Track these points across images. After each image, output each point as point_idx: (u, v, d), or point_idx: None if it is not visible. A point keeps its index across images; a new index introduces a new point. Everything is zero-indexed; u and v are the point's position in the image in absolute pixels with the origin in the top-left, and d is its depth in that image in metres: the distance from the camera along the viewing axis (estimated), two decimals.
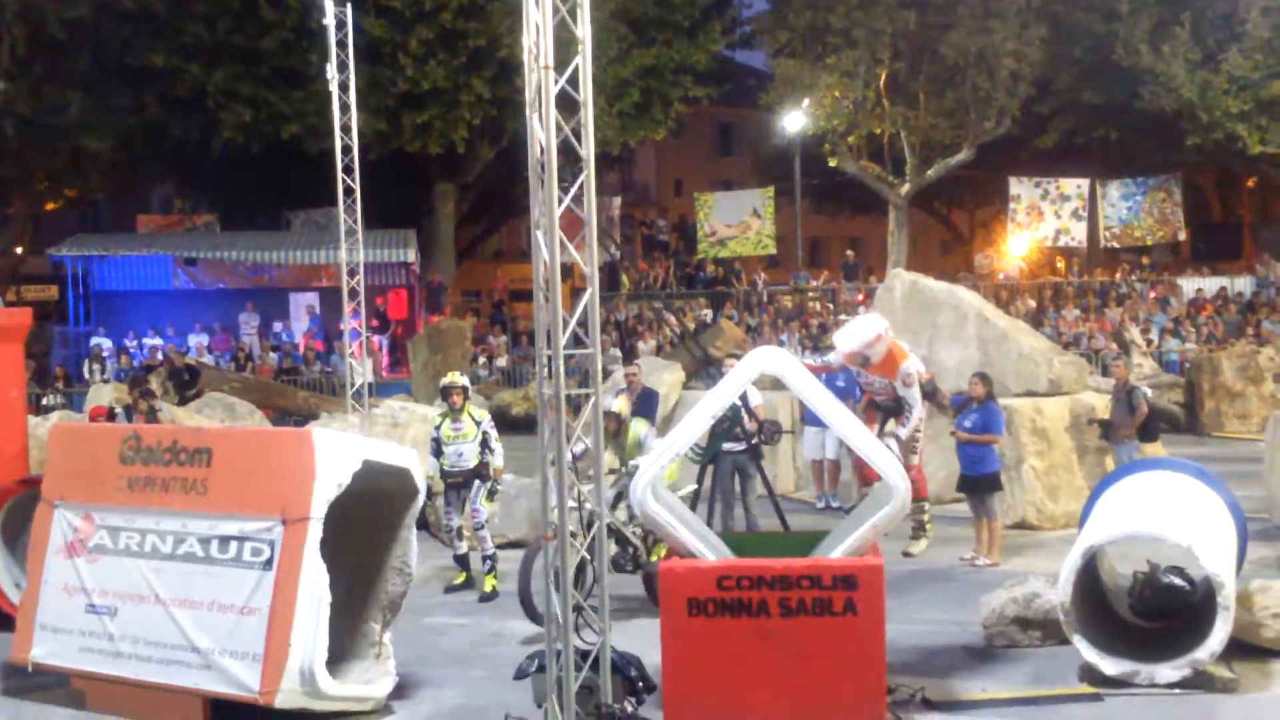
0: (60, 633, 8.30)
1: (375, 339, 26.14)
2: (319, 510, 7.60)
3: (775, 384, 10.41)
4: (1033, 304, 29.11)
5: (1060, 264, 35.32)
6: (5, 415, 10.89)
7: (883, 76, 30.12)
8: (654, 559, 9.79)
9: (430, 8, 26.26)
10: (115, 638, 8.04)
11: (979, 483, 11.79)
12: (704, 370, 20.01)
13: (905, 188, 31.52)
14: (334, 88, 17.32)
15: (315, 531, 7.55)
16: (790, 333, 26.19)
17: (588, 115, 7.14)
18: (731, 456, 12.15)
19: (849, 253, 36.43)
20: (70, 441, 9.07)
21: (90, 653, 8.15)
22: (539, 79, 6.92)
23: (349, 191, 17.68)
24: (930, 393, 12.45)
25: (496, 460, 11.39)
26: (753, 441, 12.10)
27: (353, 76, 17.31)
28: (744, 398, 11.64)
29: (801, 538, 8.73)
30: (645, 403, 13.71)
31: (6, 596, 10.16)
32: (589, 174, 7.25)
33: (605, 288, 28.63)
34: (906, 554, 12.03)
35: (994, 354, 14.21)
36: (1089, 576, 8.60)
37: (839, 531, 8.14)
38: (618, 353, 24.94)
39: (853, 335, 12.19)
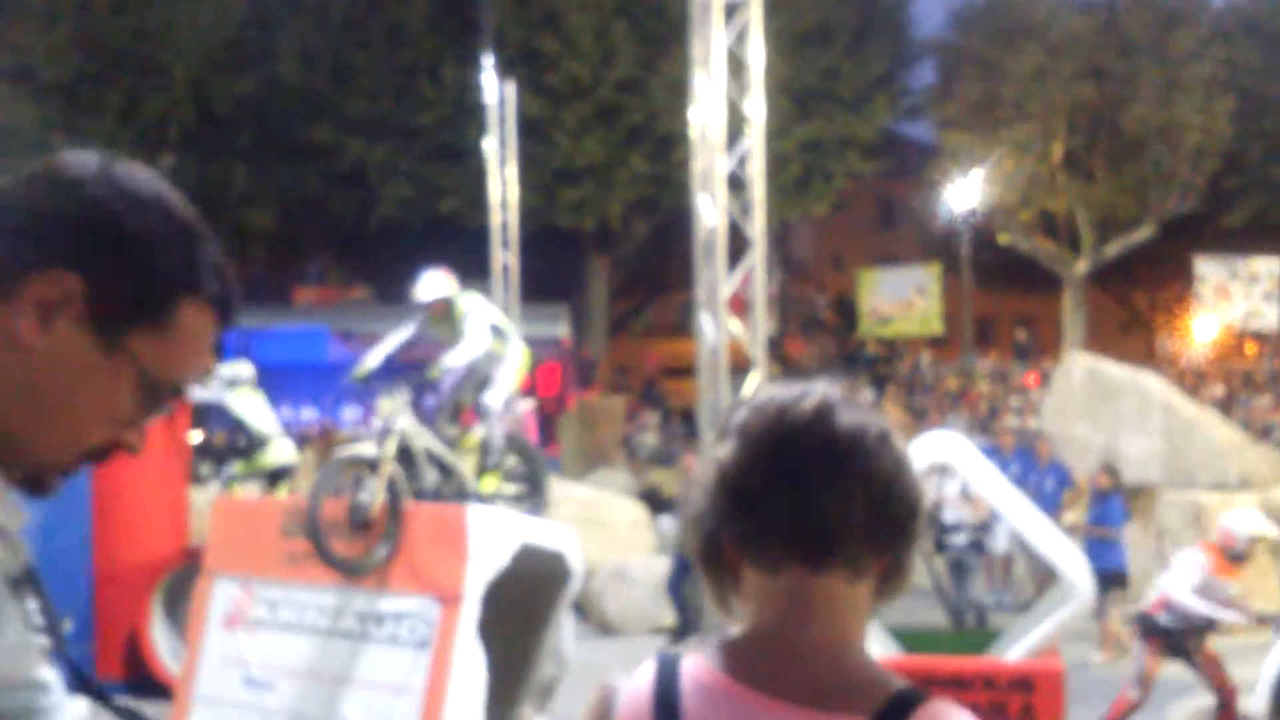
0: (218, 705, 8.20)
1: (529, 414, 25.83)
2: (475, 591, 7.39)
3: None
4: (1221, 391, 27.37)
5: (1250, 349, 33.40)
6: (167, 486, 10.99)
7: (1058, 150, 29.03)
8: (484, 487, 8.83)
9: (588, 84, 26.15)
10: (272, 712, 7.92)
11: (1099, 577, 11.20)
12: None
13: (1082, 265, 30.22)
14: (493, 164, 17.19)
15: (471, 613, 7.35)
16: (957, 416, 25.04)
17: (758, 196, 6.60)
18: (956, 552, 12.00)
19: (1021, 332, 35.04)
20: (233, 514, 9.16)
21: None
22: (707, 161, 6.38)
23: (505, 266, 17.46)
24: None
25: None
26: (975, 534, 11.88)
27: (513, 152, 17.17)
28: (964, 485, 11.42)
29: (974, 636, 8.40)
30: None
31: (165, 666, 10.16)
32: (760, 254, 6.69)
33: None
34: None
35: (1180, 444, 13.56)
36: None
37: (1015, 631, 7.62)
38: None
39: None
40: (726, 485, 1.43)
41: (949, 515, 12.14)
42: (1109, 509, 11.74)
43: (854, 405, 1.45)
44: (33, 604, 1.25)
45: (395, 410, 8.29)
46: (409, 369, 8.93)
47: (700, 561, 1.48)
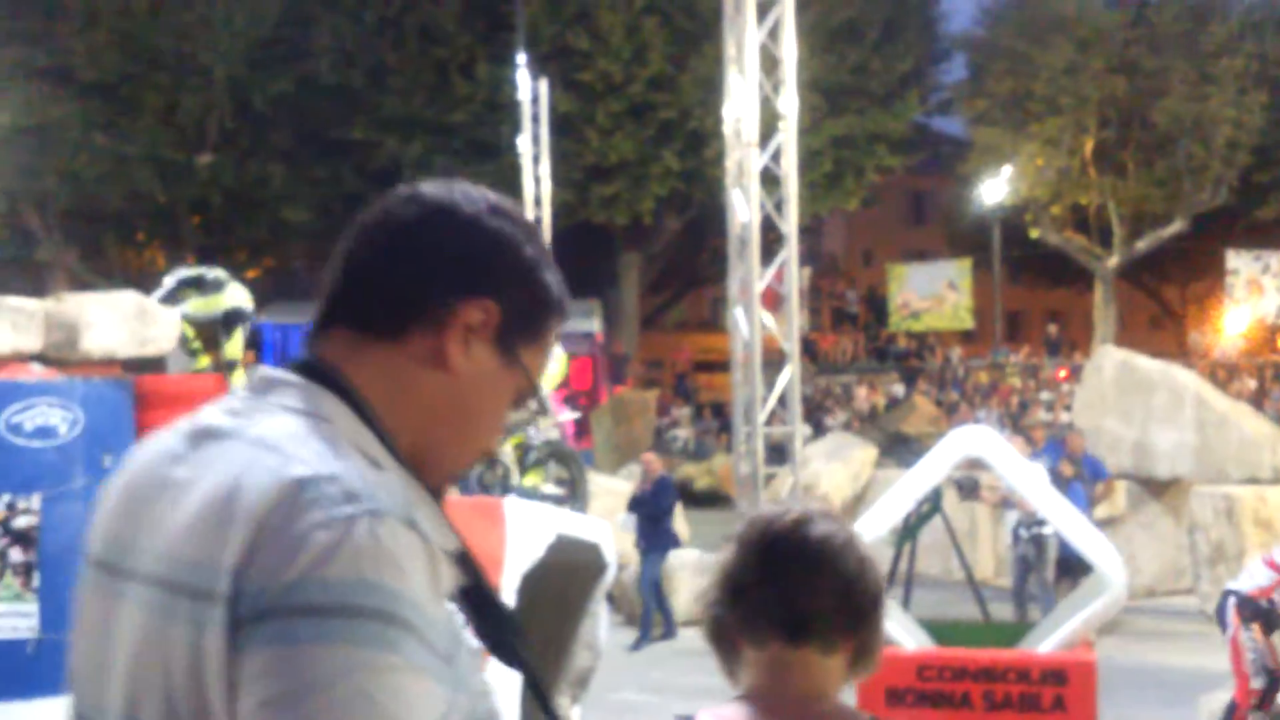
0: None
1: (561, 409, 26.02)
2: (511, 582, 7.28)
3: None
4: (1253, 384, 27.24)
5: None
6: None
7: (1089, 144, 28.93)
8: (526, 482, 9.01)
9: (620, 81, 26.30)
10: None
11: (1066, 565, 11.48)
12: (895, 449, 19.24)
13: (1113, 260, 30.12)
14: (526, 161, 17.37)
15: (507, 603, 7.29)
16: (988, 410, 25.04)
17: (791, 191, 6.74)
18: (1024, 546, 12.01)
19: (1052, 327, 35.00)
20: None
21: None
22: (741, 156, 6.54)
23: None
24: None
25: None
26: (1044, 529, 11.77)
27: (545, 149, 17.34)
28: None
29: (1006, 628, 8.37)
30: (661, 492, 13.21)
31: None
32: (791, 249, 6.82)
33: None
34: None
35: (1213, 438, 13.45)
36: None
37: (1048, 623, 7.62)
38: (808, 428, 24.23)
39: None
40: (726, 581, 1.81)
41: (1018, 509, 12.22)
42: (1071, 497, 11.72)
43: (827, 517, 1.82)
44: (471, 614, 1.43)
45: None
46: None
47: (710, 639, 1.85)
